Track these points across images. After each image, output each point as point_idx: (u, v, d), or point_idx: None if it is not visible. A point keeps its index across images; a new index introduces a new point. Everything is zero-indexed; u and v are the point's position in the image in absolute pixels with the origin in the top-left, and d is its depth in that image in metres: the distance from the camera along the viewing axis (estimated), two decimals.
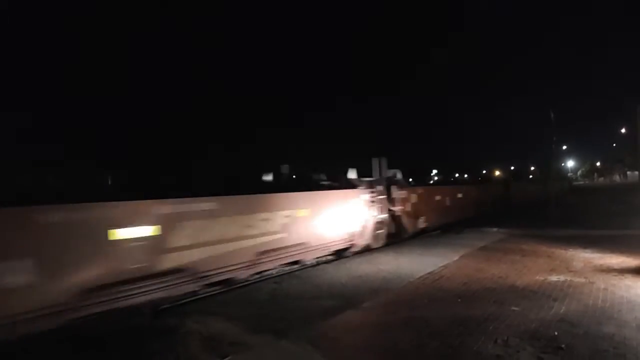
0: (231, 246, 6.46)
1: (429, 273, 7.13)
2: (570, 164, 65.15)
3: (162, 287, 5.45)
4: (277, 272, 7.50)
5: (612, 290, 5.56)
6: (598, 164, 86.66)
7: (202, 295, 6.12)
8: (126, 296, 5.05)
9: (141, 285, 5.22)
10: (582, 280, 6.21)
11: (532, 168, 66.35)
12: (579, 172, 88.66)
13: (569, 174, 68.27)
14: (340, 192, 9.45)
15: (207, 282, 6.12)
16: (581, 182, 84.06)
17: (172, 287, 5.56)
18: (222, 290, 6.44)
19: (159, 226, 5.45)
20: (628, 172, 73.64)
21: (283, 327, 4.63)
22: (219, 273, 6.27)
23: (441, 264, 7.81)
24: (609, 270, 6.78)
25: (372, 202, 10.24)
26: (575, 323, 4.37)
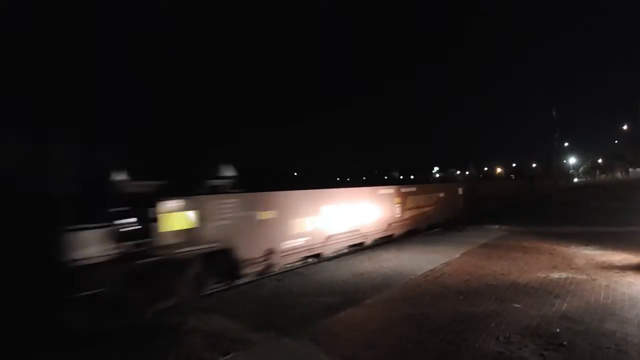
0: (420, 211, 12.73)
1: (430, 270, 7.13)
2: (572, 161, 65.01)
3: (406, 227, 11.88)
4: (278, 270, 7.52)
5: (614, 287, 5.56)
6: (600, 160, 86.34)
7: (204, 293, 6.13)
8: (398, 229, 11.54)
9: (400, 223, 11.60)
10: (584, 277, 6.20)
11: (534, 165, 66.22)
12: (581, 169, 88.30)
13: (571, 171, 68.06)
14: (455, 184, 16.58)
15: (412, 228, 12.21)
16: (583, 179, 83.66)
17: (408, 226, 11.98)
18: (224, 288, 6.46)
19: (402, 198, 11.74)
20: (630, 169, 73.43)
21: (285, 324, 4.65)
22: (417, 224, 12.49)
23: (443, 261, 7.81)
24: (611, 267, 6.77)
25: (463, 191, 15.88)
26: (577, 320, 4.37)
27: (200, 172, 7.03)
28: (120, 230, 5.22)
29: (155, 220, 5.47)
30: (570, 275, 6.31)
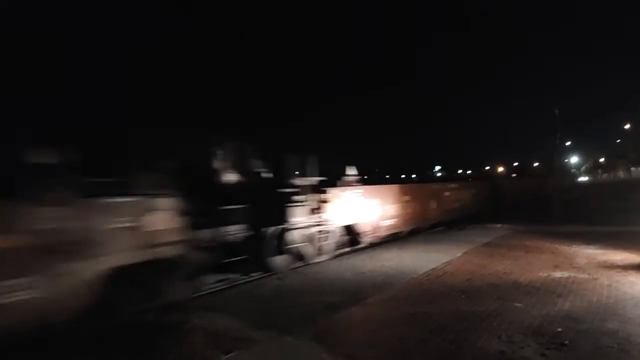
0: (460, 203, 15.53)
1: (432, 269, 7.13)
2: (574, 160, 64.82)
3: (450, 215, 14.33)
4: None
5: (616, 287, 5.54)
6: (602, 160, 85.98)
7: (206, 292, 6.15)
8: (447, 215, 14.40)
9: (448, 212, 14.47)
10: (586, 276, 6.19)
11: (536, 164, 66.09)
12: (583, 168, 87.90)
13: (573, 170, 67.84)
14: (483, 182, 21.10)
15: (456, 216, 14.64)
16: (586, 179, 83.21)
17: (451, 214, 14.48)
18: (226, 286, 6.48)
19: (449, 192, 15.08)
20: (632, 168, 73.17)
21: (287, 323, 4.65)
22: (458, 214, 14.97)
23: (444, 260, 7.81)
24: (613, 266, 6.76)
25: (489, 188, 19.64)
26: (579, 319, 4.36)
27: (338, 171, 10.12)
28: (309, 208, 8.19)
29: (324, 202, 8.47)
30: (572, 275, 6.31)
